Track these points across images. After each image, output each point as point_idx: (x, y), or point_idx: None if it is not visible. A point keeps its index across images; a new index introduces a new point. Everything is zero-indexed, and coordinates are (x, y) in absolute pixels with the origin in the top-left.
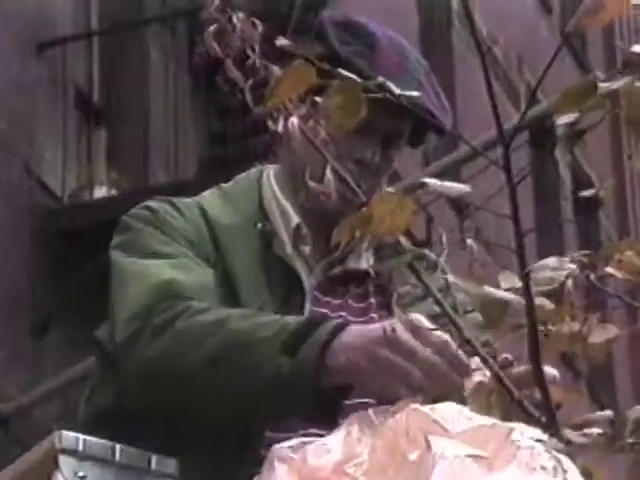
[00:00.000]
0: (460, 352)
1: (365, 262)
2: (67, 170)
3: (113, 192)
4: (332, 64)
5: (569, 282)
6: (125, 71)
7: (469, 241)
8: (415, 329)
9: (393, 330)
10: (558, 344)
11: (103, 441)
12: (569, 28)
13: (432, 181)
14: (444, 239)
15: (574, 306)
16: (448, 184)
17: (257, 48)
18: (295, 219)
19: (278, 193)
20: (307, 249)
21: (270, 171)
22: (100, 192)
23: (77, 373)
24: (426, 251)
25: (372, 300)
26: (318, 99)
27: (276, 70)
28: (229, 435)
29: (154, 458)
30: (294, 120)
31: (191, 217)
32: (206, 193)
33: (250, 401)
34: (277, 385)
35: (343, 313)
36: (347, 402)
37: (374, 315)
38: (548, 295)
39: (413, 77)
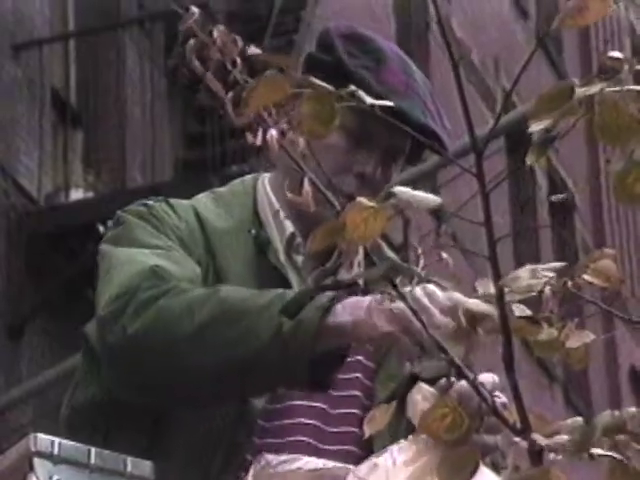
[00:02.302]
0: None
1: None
2: (43, 172)
3: (89, 194)
4: (337, 76)
5: (547, 290)
6: (102, 73)
7: (444, 255)
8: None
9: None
10: (537, 351)
11: (78, 444)
12: (551, 29)
13: (403, 191)
14: (419, 250)
15: (552, 314)
16: (420, 195)
17: (238, 62)
18: (289, 227)
19: (273, 200)
20: (300, 258)
21: (265, 178)
22: (76, 194)
23: (53, 376)
24: (401, 261)
25: None
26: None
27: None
28: (216, 438)
29: (129, 461)
30: (273, 132)
31: (186, 218)
32: (200, 196)
33: (245, 366)
34: (276, 345)
35: None
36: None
37: None
38: (525, 303)
39: (418, 96)
